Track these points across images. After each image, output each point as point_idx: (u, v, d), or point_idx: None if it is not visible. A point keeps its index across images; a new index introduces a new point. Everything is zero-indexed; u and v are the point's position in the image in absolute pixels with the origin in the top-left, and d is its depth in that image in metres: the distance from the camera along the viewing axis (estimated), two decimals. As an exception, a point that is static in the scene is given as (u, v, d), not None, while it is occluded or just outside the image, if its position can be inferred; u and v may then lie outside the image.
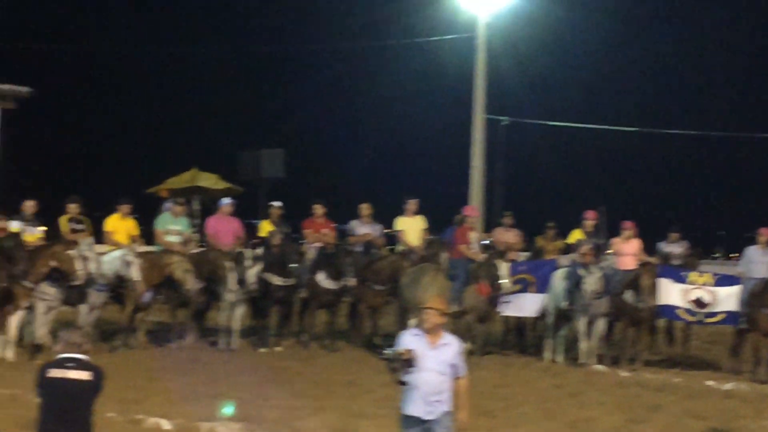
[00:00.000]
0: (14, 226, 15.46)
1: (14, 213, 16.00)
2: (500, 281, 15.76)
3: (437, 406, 7.71)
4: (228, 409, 11.43)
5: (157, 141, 40.34)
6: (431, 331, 7.66)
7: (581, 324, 15.49)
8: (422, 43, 30.91)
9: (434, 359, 7.63)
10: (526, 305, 16.31)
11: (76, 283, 14.85)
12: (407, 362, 7.62)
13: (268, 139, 31.70)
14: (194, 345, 16.73)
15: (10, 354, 14.61)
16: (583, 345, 15.57)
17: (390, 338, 16.94)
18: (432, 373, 7.64)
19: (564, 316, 16.00)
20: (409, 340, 7.74)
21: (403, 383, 7.82)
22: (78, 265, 14.68)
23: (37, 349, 14.74)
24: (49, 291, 15.04)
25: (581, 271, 15.31)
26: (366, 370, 14.79)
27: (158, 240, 16.97)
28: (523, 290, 16.28)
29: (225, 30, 46.39)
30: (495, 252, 16.35)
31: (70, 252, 14.70)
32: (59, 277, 14.84)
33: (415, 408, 7.73)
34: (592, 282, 15.15)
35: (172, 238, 16.92)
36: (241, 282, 16.14)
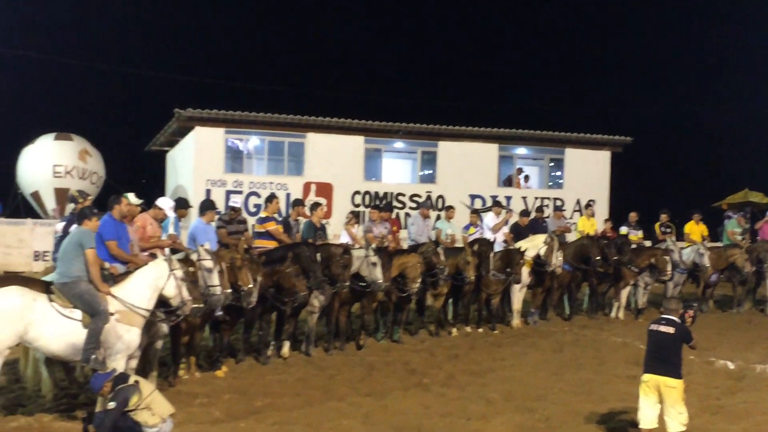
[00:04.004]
0: (622, 229, 19.14)
1: (623, 221, 19.82)
2: None
3: None
4: None
5: (719, 169, 45.89)
6: None
7: None
8: None
9: None
10: None
11: (665, 279, 17.61)
12: None
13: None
14: (749, 311, 19.39)
15: (621, 315, 17.79)
16: None
17: None
18: None
19: None
20: None
21: None
22: (668, 267, 17.43)
23: (639, 312, 18.00)
24: (647, 276, 17.71)
25: None
26: None
27: (730, 237, 20.16)
28: None
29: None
30: None
31: (666, 257, 17.63)
32: (657, 269, 17.59)
33: None
34: None
35: (738, 238, 20.14)
36: None
